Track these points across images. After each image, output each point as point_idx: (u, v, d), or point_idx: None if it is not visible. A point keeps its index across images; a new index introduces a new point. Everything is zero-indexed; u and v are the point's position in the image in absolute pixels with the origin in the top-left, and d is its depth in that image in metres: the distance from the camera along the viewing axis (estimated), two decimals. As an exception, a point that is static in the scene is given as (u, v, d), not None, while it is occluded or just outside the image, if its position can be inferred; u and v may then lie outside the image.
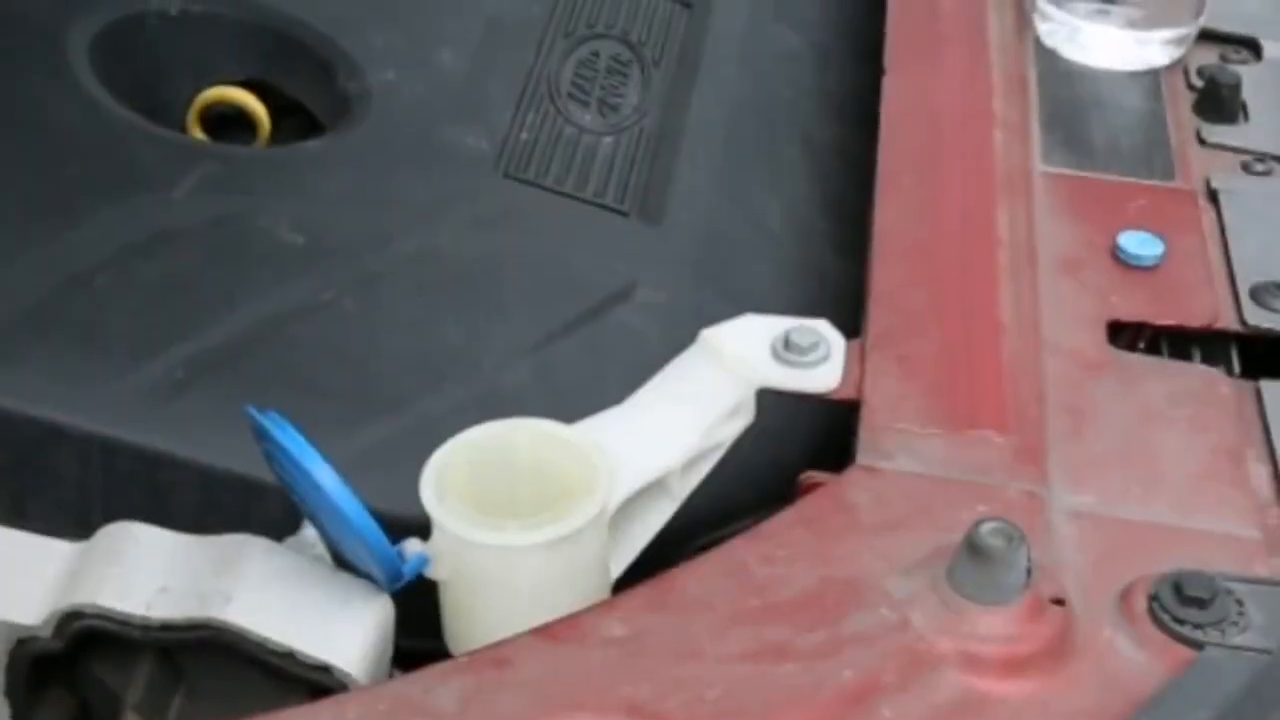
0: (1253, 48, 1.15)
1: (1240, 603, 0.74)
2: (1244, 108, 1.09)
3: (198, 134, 1.14)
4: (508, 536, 0.78)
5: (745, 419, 0.87)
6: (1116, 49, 1.12)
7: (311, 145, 1.09)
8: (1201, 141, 1.07)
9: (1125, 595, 0.75)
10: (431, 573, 0.79)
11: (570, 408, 0.85)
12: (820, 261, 1.07)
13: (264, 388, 0.89)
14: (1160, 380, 0.90)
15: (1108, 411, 0.87)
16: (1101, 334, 0.92)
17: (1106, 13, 1.11)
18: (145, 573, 0.78)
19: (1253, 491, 0.83)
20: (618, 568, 0.84)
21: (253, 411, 0.76)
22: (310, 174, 1.05)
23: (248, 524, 0.81)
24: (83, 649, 0.79)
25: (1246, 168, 1.05)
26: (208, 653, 0.77)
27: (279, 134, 1.14)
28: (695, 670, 0.72)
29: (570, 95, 1.12)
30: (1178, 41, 1.12)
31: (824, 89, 1.21)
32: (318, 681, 0.76)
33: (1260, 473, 0.84)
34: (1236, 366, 0.93)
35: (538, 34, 1.16)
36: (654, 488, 0.84)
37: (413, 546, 0.79)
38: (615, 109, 1.12)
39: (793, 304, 0.91)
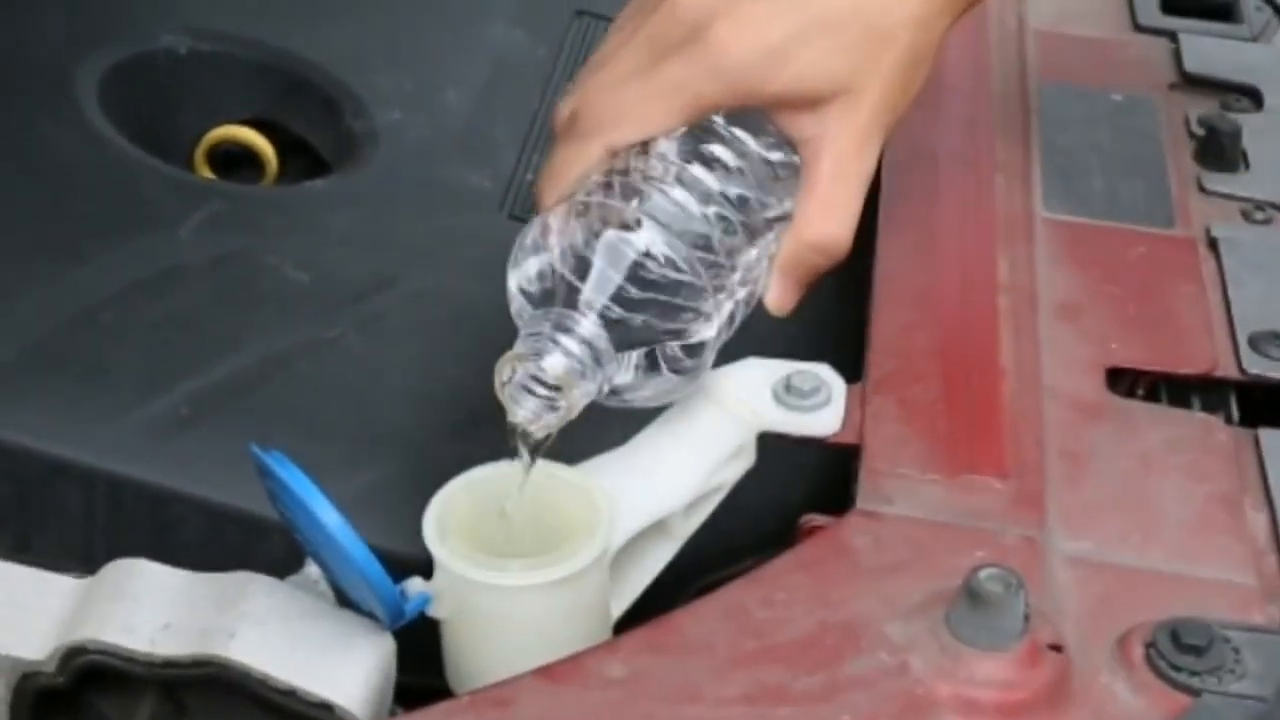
0: (1254, 96, 1.16)
1: (1237, 650, 0.75)
2: (1244, 156, 1.10)
3: (205, 172, 1.14)
4: (509, 577, 0.79)
5: (746, 462, 0.87)
6: None
7: (318, 184, 1.10)
8: (1202, 189, 1.08)
9: (1122, 642, 0.75)
10: (433, 611, 0.80)
11: (572, 448, 0.85)
12: (821, 305, 1.07)
13: (268, 425, 0.90)
14: (1159, 427, 0.90)
15: (1107, 458, 0.88)
16: (1101, 380, 0.92)
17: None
18: (149, 609, 0.78)
19: (1250, 539, 0.83)
20: (618, 608, 0.84)
21: (256, 450, 0.77)
22: (316, 213, 1.06)
23: (251, 561, 0.81)
24: (86, 684, 0.79)
25: (1247, 216, 1.05)
26: (210, 689, 0.77)
27: (285, 173, 1.15)
28: (694, 712, 0.72)
29: (575, 137, 1.12)
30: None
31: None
32: (320, 719, 0.76)
33: (1258, 520, 0.85)
34: (1235, 414, 0.93)
35: (543, 76, 1.17)
36: (655, 529, 0.85)
37: (415, 585, 0.79)
38: (619, 151, 1.12)
39: (794, 348, 0.91)
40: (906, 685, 0.73)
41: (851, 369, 0.90)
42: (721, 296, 0.85)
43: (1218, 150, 1.10)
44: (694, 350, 0.84)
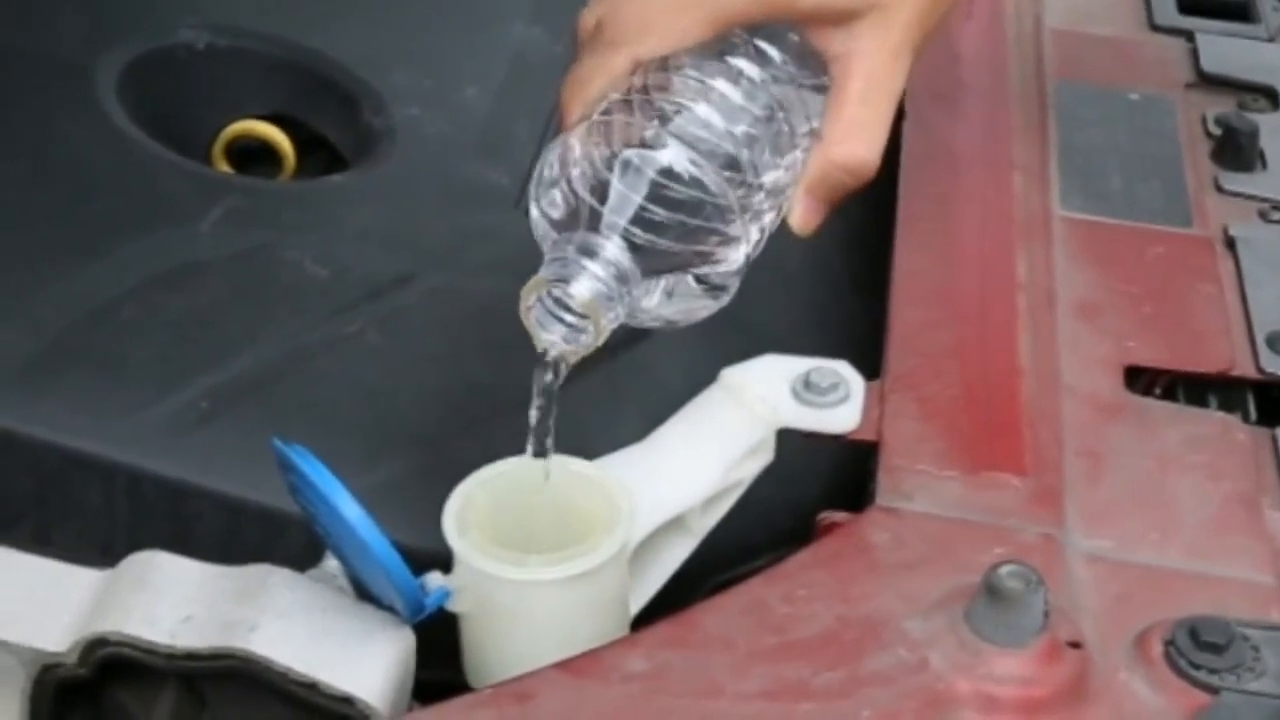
0: (1271, 96, 1.16)
1: (1256, 648, 0.75)
2: (1262, 156, 1.10)
3: (223, 167, 1.14)
4: (529, 572, 0.79)
5: (765, 458, 0.87)
6: None
7: (336, 179, 1.10)
8: (1219, 189, 1.08)
9: (1141, 639, 0.75)
10: (452, 606, 0.80)
11: (590, 444, 0.85)
12: (840, 303, 1.07)
13: (287, 419, 0.90)
14: (1177, 426, 0.90)
15: (1125, 456, 0.88)
16: (1119, 379, 0.92)
17: None
18: (170, 601, 0.78)
19: (1268, 538, 0.83)
20: (637, 604, 0.84)
21: (278, 443, 0.77)
22: (335, 208, 1.06)
23: (270, 554, 0.81)
24: (107, 676, 0.79)
25: (1264, 216, 1.06)
26: (231, 682, 0.77)
27: (303, 168, 1.15)
28: (715, 707, 0.72)
29: (593, 134, 1.12)
30: None
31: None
32: (340, 712, 0.76)
33: (1276, 519, 0.85)
34: (1253, 413, 0.93)
35: (561, 72, 1.17)
36: (673, 525, 0.85)
37: (434, 579, 0.79)
38: (637, 147, 1.12)
39: (813, 345, 0.91)
40: (926, 681, 0.73)
41: (870, 366, 0.91)
42: (748, 217, 0.83)
43: (1235, 150, 1.10)
44: (723, 275, 0.83)
